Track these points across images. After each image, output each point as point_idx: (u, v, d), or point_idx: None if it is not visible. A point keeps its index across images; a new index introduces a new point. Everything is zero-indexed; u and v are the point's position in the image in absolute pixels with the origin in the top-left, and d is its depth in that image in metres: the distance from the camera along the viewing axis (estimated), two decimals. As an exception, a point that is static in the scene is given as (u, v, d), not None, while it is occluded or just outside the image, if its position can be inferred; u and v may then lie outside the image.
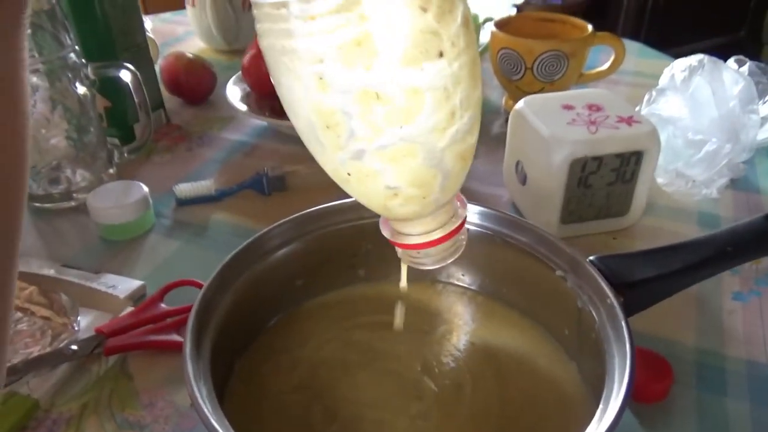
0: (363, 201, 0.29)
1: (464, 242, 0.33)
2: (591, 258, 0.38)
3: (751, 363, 0.43)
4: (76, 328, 0.44)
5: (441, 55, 0.24)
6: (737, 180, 0.62)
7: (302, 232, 0.41)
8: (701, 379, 0.42)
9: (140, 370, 0.42)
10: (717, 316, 0.47)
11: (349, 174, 0.27)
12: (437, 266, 0.33)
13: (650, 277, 0.38)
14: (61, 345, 0.42)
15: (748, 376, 0.42)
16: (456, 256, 0.33)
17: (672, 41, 0.65)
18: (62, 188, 0.60)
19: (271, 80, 0.26)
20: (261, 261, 0.39)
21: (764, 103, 0.61)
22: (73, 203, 0.60)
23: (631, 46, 0.94)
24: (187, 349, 0.31)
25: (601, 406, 0.29)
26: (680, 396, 0.40)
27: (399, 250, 0.33)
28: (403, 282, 0.37)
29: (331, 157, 0.27)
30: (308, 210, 0.41)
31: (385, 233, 0.33)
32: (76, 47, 0.57)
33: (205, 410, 0.27)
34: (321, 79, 0.24)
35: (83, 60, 0.58)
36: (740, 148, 0.58)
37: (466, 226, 0.33)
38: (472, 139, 0.28)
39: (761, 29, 1.54)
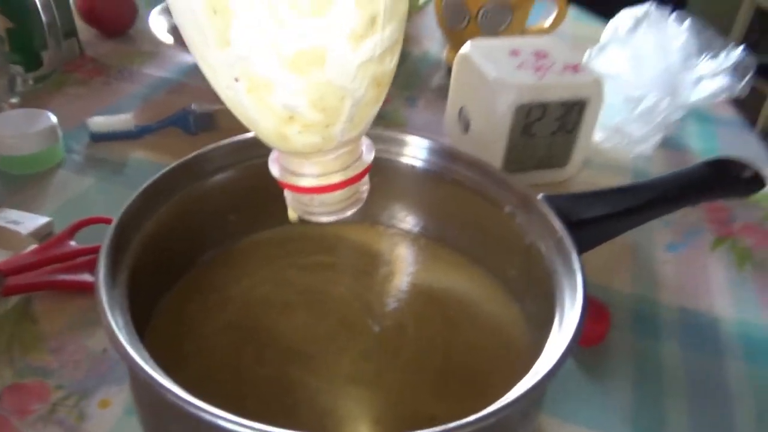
0: (253, 126, 0.24)
1: (365, 195, 0.29)
2: (539, 196, 0.36)
3: (683, 310, 0.44)
4: (-31, 266, 0.38)
5: None
6: (670, 139, 0.63)
7: (239, 159, 0.37)
8: (636, 324, 0.42)
9: (46, 313, 0.38)
10: (651, 265, 0.48)
11: (237, 80, 0.22)
12: (330, 219, 0.28)
13: (598, 216, 0.37)
14: (-50, 283, 0.36)
15: (680, 321, 0.43)
16: (353, 210, 0.29)
17: (606, 7, 0.65)
18: (-47, 115, 0.53)
19: None
20: (191, 186, 0.35)
21: (699, 62, 0.61)
22: (-34, 133, 0.53)
23: (570, 11, 0.94)
24: (101, 273, 0.27)
25: (551, 336, 0.28)
26: (617, 340, 0.40)
27: (288, 196, 0.29)
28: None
29: (216, 57, 0.22)
30: (248, 135, 0.36)
31: (274, 172, 0.27)
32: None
33: (120, 338, 0.24)
34: None
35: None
36: (676, 104, 0.59)
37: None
38: (392, 62, 0.24)
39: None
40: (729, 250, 0.50)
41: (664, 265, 0.48)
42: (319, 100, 0.23)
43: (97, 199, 0.48)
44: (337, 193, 0.27)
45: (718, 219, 0.53)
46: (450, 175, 0.38)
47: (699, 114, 0.69)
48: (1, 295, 0.37)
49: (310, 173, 0.26)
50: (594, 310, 0.41)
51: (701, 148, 0.64)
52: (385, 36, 0.22)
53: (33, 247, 0.41)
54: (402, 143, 0.39)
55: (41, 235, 0.42)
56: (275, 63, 0.21)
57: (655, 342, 0.41)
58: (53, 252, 0.40)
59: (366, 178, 0.28)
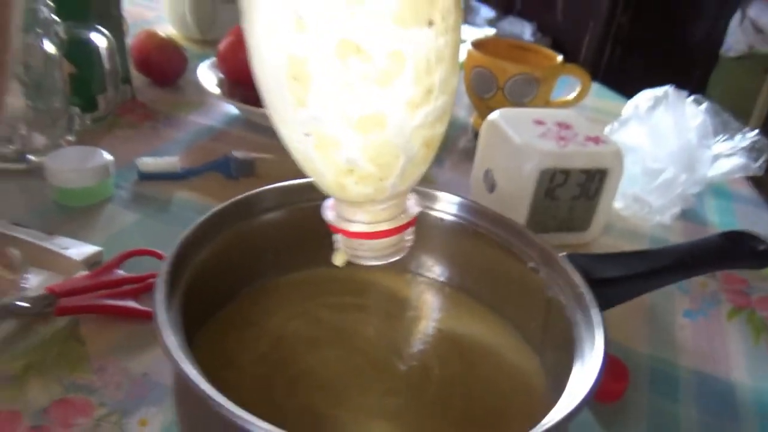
0: (315, 176, 0.27)
1: (410, 244, 0.32)
2: (562, 254, 0.39)
3: (700, 374, 0.45)
4: (26, 286, 0.41)
5: (430, 24, 0.24)
6: (688, 211, 0.65)
7: (284, 202, 0.40)
8: (654, 384, 0.43)
9: (92, 335, 0.40)
10: (669, 329, 0.49)
11: (307, 135, 0.25)
12: (376, 263, 0.31)
13: (617, 277, 0.39)
14: (8, 301, 0.39)
15: (698, 384, 0.44)
16: (398, 257, 0.31)
17: (625, 89, 0.70)
18: (15, 148, 0.57)
19: (244, 23, 0.25)
20: (238, 225, 0.37)
21: (716, 142, 0.65)
22: (25, 165, 0.57)
23: (592, 87, 0.99)
24: (160, 294, 0.29)
25: (569, 386, 0.29)
26: (634, 398, 0.42)
27: (339, 239, 0.31)
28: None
29: (291, 116, 0.25)
30: (296, 180, 0.40)
31: (330, 217, 0.31)
32: (48, 1, 0.55)
33: (173, 351, 0.26)
34: (299, 18, 0.23)
35: (54, 17, 0.56)
36: (693, 179, 0.62)
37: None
38: (441, 128, 0.27)
39: (707, 84, 1.65)
40: (746, 320, 0.51)
41: (682, 329, 0.49)
42: (377, 156, 0.26)
43: (142, 234, 0.51)
44: (384, 240, 0.30)
45: (735, 290, 0.55)
46: (476, 229, 0.41)
47: (717, 189, 0.71)
48: (53, 314, 0.39)
49: (361, 220, 0.29)
50: (613, 367, 0.42)
51: (718, 221, 0.66)
52: (437, 105, 0.26)
53: (83, 272, 0.43)
54: (433, 198, 0.41)
55: (91, 262, 0.45)
56: (343, 123, 0.25)
57: (672, 402, 0.42)
58: (102, 278, 0.42)
59: (411, 229, 0.31)
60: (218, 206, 0.36)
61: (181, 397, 0.31)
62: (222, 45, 0.72)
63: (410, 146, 0.26)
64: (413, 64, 0.24)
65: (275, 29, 0.24)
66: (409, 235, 0.31)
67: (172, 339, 0.27)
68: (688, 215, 0.65)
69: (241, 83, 0.71)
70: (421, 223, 0.43)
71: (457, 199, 0.41)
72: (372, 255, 0.31)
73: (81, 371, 0.37)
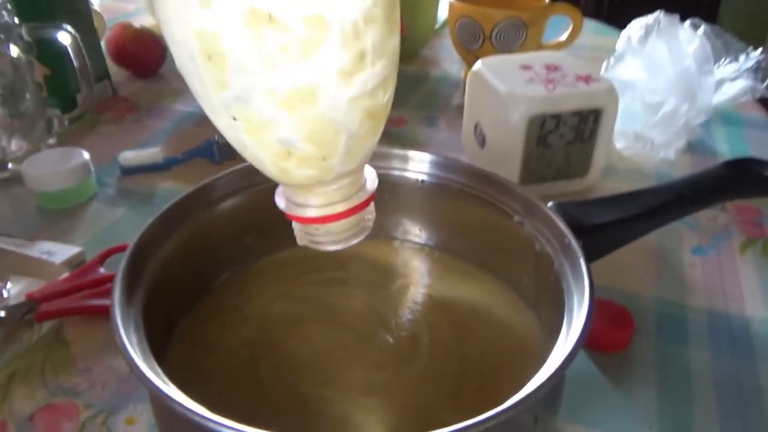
0: (254, 162, 0.25)
1: (371, 223, 0.29)
2: (549, 204, 0.36)
3: (712, 313, 0.42)
4: (5, 296, 0.40)
5: None
6: (694, 143, 0.62)
7: (250, 184, 0.38)
8: (662, 329, 0.41)
9: (77, 337, 0.39)
10: (678, 269, 0.47)
11: (234, 119, 0.23)
12: (336, 248, 0.29)
13: (609, 222, 0.37)
14: (-12, 312, 0.39)
15: (709, 324, 0.41)
16: (360, 238, 0.29)
17: (625, 21, 0.66)
18: (-5, 158, 0.57)
19: (155, 4, 0.22)
20: (202, 213, 0.36)
21: (719, 66, 0.61)
22: (7, 173, 0.56)
23: (589, 24, 0.94)
24: (116, 294, 0.28)
25: (561, 336, 0.28)
26: (641, 345, 0.40)
27: (295, 227, 0.29)
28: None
29: (214, 100, 0.23)
30: None
31: (280, 204, 0.28)
32: (8, 5, 0.54)
33: (131, 353, 0.25)
34: None
35: (16, 20, 0.55)
36: (697, 109, 0.58)
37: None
38: (385, 96, 0.24)
39: (717, 14, 1.58)
40: (760, 251, 0.48)
41: (691, 268, 0.47)
42: (313, 135, 0.23)
43: (127, 229, 0.50)
44: (342, 222, 0.28)
45: (747, 221, 0.52)
46: (457, 187, 0.39)
47: (725, 116, 0.67)
48: (35, 321, 0.39)
49: (313, 204, 0.27)
50: (617, 316, 0.40)
51: (728, 150, 0.63)
52: (375, 71, 0.23)
53: (65, 275, 0.43)
54: (405, 159, 0.39)
55: (73, 264, 0.44)
56: (269, 102, 0.22)
57: (682, 346, 0.40)
58: (83, 279, 0.42)
59: (371, 207, 0.29)
60: (175, 198, 0.35)
61: (150, 397, 0.30)
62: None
63: (350, 120, 0.23)
64: (339, 29, 0.21)
65: (181, 6, 0.21)
66: (369, 214, 0.29)
67: (127, 339, 0.26)
68: (694, 147, 0.62)
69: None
70: (399, 187, 0.41)
71: (428, 156, 0.39)
72: (331, 239, 0.28)
73: (67, 374, 0.37)
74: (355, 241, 0.29)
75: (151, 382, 0.24)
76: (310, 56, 0.21)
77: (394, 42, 0.24)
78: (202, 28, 0.21)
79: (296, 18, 0.21)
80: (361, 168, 0.27)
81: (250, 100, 0.22)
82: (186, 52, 0.22)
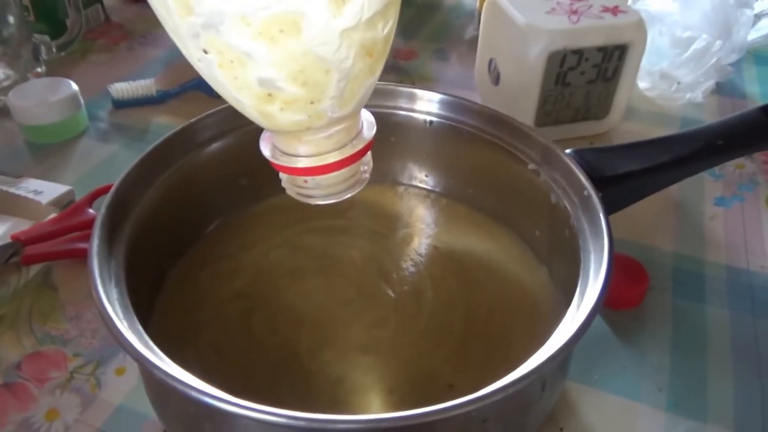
0: (234, 104, 0.22)
1: (367, 175, 0.26)
2: (568, 150, 0.34)
3: (731, 269, 0.40)
4: (-10, 236, 0.39)
5: None
6: (724, 85, 0.58)
7: (237, 125, 0.35)
8: (678, 285, 0.39)
9: (66, 281, 0.38)
10: (697, 221, 0.44)
11: (206, 52, 0.19)
12: (327, 202, 0.26)
13: (633, 171, 0.34)
14: (-29, 254, 0.37)
15: (728, 280, 0.39)
16: (354, 192, 0.26)
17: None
18: (-20, 88, 0.53)
19: None
20: (189, 155, 0.33)
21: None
22: (-7, 104, 0.53)
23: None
24: (94, 246, 0.26)
25: (575, 299, 0.26)
26: (655, 302, 0.38)
27: (283, 177, 0.26)
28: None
29: (181, 28, 0.19)
30: None
31: (265, 152, 0.25)
32: None
33: (110, 313, 0.23)
34: None
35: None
36: (730, 47, 0.54)
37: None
38: (385, 28, 0.21)
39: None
40: (787, 203, 0.46)
41: (712, 220, 0.44)
42: (298, 73, 0.20)
43: (119, 167, 0.47)
44: (334, 174, 0.24)
45: (775, 170, 0.49)
46: (468, 129, 0.36)
47: (759, 55, 0.63)
48: (20, 264, 0.37)
49: (303, 153, 0.24)
50: (631, 271, 0.38)
51: (760, 93, 0.59)
52: None
53: (53, 216, 0.41)
54: (412, 97, 0.36)
55: (62, 204, 0.42)
56: (243, 32, 0.19)
57: (699, 304, 0.38)
58: (72, 221, 0.40)
59: (368, 157, 0.26)
60: (158, 140, 0.32)
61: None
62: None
63: (342, 56, 0.20)
64: None
65: None
66: (365, 165, 0.26)
67: (104, 294, 0.24)
68: (724, 89, 0.58)
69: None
70: (406, 128, 0.38)
71: (440, 96, 0.36)
72: (322, 193, 0.25)
73: (55, 321, 0.35)
74: (348, 195, 0.26)
75: (130, 344, 0.22)
76: None
77: None
78: None
79: None
80: (356, 113, 0.24)
81: (220, 28, 0.19)
82: None
